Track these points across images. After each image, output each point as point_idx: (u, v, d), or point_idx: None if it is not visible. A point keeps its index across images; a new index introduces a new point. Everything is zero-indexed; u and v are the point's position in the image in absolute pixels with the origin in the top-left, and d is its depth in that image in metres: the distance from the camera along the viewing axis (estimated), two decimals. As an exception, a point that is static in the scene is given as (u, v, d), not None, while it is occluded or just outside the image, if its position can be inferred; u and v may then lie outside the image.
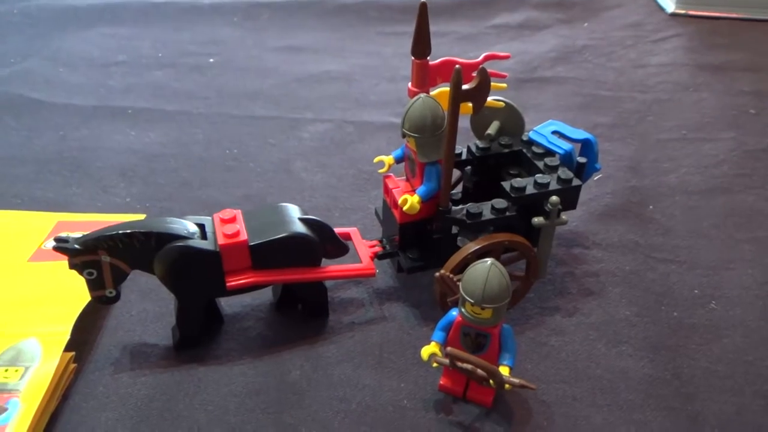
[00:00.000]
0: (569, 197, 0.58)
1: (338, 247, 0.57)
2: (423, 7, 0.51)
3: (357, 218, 0.72)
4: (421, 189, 0.54)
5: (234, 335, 0.57)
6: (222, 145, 0.86)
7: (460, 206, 0.55)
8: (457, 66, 0.46)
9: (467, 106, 0.51)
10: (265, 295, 0.60)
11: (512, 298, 0.59)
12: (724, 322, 0.60)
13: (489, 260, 0.46)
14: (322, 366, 0.54)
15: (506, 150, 0.62)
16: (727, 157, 0.85)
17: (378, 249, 0.60)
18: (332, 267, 0.56)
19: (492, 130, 0.63)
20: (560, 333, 0.58)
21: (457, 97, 0.48)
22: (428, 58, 0.54)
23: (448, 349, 0.47)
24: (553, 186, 0.56)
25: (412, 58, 0.53)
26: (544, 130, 0.63)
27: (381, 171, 0.58)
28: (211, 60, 1.09)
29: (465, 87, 0.48)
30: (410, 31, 0.53)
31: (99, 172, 0.79)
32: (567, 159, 0.60)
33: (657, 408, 0.51)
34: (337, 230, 0.59)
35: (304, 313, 0.59)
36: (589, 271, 0.65)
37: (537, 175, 0.57)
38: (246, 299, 0.60)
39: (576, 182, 0.57)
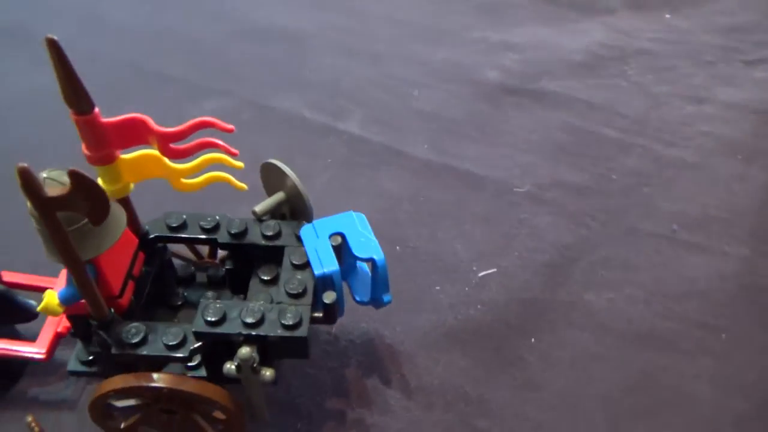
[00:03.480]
0: (293, 346, 0.40)
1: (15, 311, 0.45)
2: (52, 46, 0.33)
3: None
4: (61, 290, 0.39)
5: None
6: None
7: (128, 324, 0.40)
8: (20, 166, 0.29)
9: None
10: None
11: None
12: None
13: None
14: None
15: (264, 242, 0.44)
16: (715, 284, 0.57)
17: (82, 324, 0.47)
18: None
19: (262, 207, 0.45)
20: None
21: (42, 207, 0.31)
22: (97, 110, 0.36)
23: None
24: (269, 329, 0.39)
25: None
26: (323, 227, 0.43)
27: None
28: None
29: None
30: None
31: None
32: (325, 284, 0.41)
33: None
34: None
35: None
36: None
37: (250, 305, 0.39)
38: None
39: (301, 333, 0.39)
